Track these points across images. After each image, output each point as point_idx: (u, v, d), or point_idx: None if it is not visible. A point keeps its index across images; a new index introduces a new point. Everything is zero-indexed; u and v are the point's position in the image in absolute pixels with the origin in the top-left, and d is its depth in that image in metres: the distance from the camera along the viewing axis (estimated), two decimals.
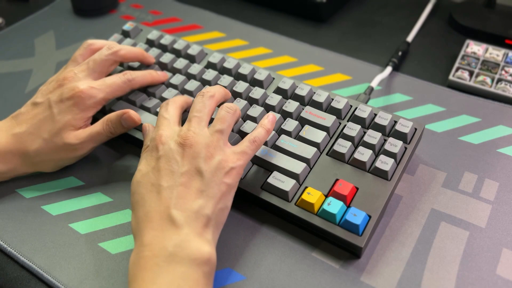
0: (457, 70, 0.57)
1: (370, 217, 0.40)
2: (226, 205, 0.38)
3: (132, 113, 0.46)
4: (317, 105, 0.48)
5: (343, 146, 0.44)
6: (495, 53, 0.58)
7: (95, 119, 0.50)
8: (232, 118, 0.42)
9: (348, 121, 0.47)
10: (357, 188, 0.42)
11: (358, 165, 0.44)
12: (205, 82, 0.53)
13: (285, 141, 0.45)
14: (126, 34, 0.60)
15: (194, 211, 0.36)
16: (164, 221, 0.35)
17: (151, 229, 0.35)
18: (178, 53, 0.57)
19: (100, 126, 0.47)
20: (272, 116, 0.44)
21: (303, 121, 0.47)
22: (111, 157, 0.50)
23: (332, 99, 0.49)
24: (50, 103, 0.46)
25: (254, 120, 0.47)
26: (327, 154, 0.45)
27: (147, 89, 0.52)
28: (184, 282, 0.33)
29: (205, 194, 0.37)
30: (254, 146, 0.41)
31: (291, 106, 0.48)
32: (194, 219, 0.36)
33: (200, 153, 0.38)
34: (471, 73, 0.57)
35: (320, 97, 0.49)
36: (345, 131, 0.46)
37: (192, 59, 0.56)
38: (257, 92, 0.50)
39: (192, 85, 0.52)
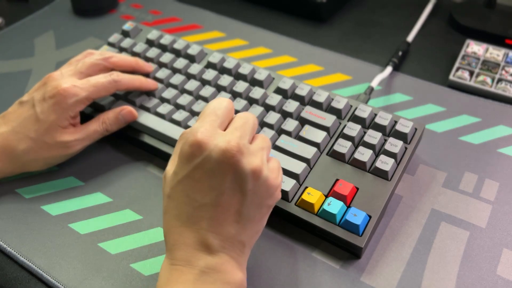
0: (457, 70, 0.57)
1: (370, 217, 0.40)
2: (262, 226, 0.36)
3: (130, 108, 0.49)
4: (317, 105, 0.48)
5: (343, 146, 0.44)
6: (496, 53, 0.58)
7: (90, 116, 0.50)
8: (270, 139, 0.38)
9: (348, 121, 0.47)
10: (357, 188, 0.42)
11: (358, 165, 0.44)
12: (205, 82, 0.52)
13: (285, 141, 0.45)
14: (126, 34, 0.60)
15: (230, 237, 0.33)
16: (198, 242, 0.33)
17: (184, 244, 0.33)
18: (178, 53, 0.56)
19: (97, 125, 0.47)
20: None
21: (303, 121, 0.47)
22: (111, 157, 0.50)
23: (332, 99, 0.49)
24: (33, 101, 0.46)
25: None
26: (327, 154, 0.45)
27: None
28: None
29: (243, 217, 0.34)
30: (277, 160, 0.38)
31: (291, 106, 0.48)
32: (230, 245, 0.34)
33: (244, 169, 0.33)
34: (471, 73, 0.57)
35: (320, 97, 0.49)
36: (345, 131, 0.46)
37: (192, 59, 0.56)
38: (257, 92, 0.50)
39: (192, 85, 0.52)
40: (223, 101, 0.37)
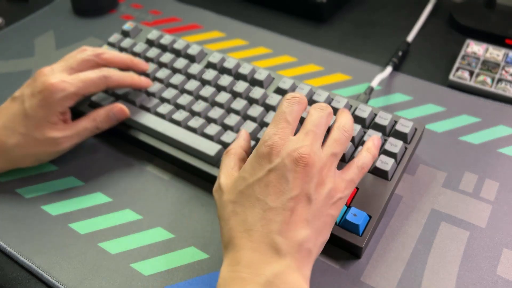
0: (457, 70, 0.57)
1: (370, 217, 0.40)
2: (326, 238, 0.35)
3: (121, 105, 0.48)
4: None
5: None
6: (495, 53, 0.58)
7: (83, 112, 0.50)
8: (347, 142, 0.38)
9: None
10: (357, 188, 0.42)
11: None
12: (205, 82, 0.52)
13: None
14: (126, 34, 0.60)
15: (298, 242, 0.33)
16: (266, 245, 0.33)
17: (251, 249, 0.33)
18: (178, 53, 0.56)
19: (87, 122, 0.47)
20: (377, 141, 0.42)
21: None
22: (111, 157, 0.50)
23: (332, 99, 0.49)
24: (23, 97, 0.46)
25: (254, 120, 0.47)
26: None
27: (147, 89, 0.52)
28: None
29: (310, 225, 0.34)
30: (362, 174, 0.38)
31: None
32: (297, 251, 0.33)
33: (313, 177, 0.34)
34: (471, 73, 0.57)
35: (320, 97, 0.49)
36: None
37: (192, 58, 0.56)
38: (257, 92, 0.50)
39: (192, 84, 0.52)
40: (293, 104, 0.38)
